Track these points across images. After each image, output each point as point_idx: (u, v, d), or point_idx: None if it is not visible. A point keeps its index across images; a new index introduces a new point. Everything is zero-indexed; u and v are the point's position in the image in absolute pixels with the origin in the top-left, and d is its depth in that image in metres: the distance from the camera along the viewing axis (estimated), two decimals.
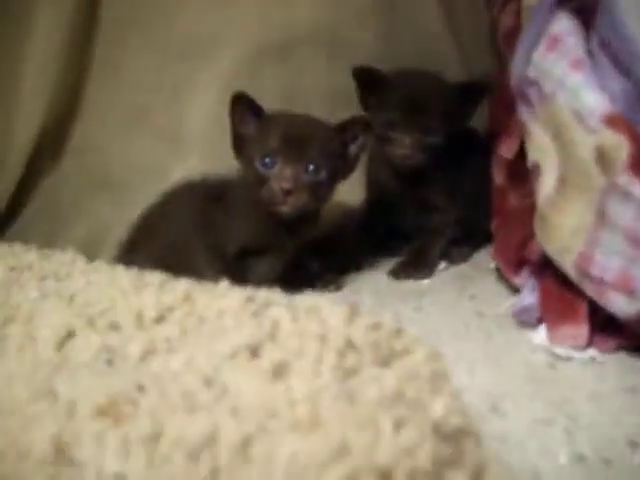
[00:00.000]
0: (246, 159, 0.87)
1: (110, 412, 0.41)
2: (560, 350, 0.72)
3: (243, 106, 0.86)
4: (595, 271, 0.67)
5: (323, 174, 0.86)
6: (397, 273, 0.99)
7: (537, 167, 0.73)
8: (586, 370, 0.71)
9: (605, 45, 0.65)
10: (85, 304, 0.60)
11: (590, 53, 0.68)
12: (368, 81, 0.98)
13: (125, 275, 0.67)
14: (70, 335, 0.54)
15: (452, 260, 1.04)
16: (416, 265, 1.00)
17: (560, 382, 0.68)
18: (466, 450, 0.36)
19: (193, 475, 0.34)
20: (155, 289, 0.60)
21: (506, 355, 0.75)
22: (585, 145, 0.65)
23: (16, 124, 1.01)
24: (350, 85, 1.02)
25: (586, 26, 0.69)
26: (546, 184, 0.71)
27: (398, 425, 0.34)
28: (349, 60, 1.01)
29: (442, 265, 1.03)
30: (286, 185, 0.83)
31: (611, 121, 0.63)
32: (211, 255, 0.88)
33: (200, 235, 0.90)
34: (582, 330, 0.71)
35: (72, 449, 0.37)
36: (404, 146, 0.95)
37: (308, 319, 0.49)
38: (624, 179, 0.62)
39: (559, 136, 0.68)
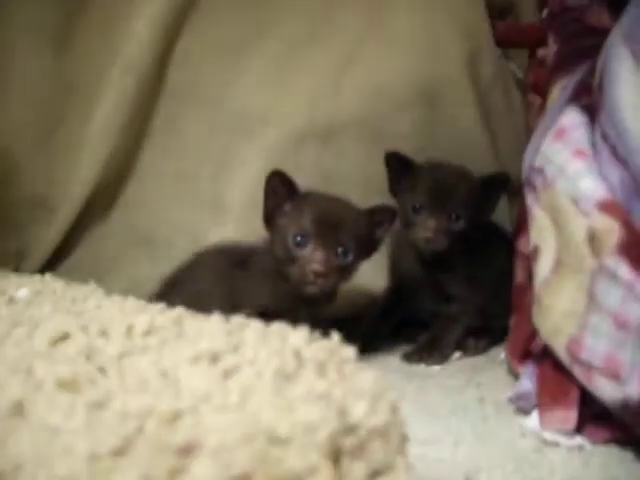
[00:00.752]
0: (278, 234, 0.90)
1: (70, 386, 0.45)
2: (548, 435, 0.72)
3: (279, 182, 0.90)
4: (584, 355, 0.67)
5: (351, 257, 0.90)
6: (410, 357, 1.01)
7: (537, 250, 0.75)
8: (571, 457, 0.70)
9: (606, 138, 0.69)
10: (88, 318, 0.65)
11: (593, 145, 0.71)
12: (399, 167, 1.04)
13: (132, 302, 0.72)
14: (64, 337, 0.58)
15: (467, 351, 1.04)
16: (430, 351, 1.01)
17: (541, 466, 0.68)
18: (374, 449, 0.38)
19: (121, 432, 0.37)
20: (153, 313, 0.64)
21: (495, 437, 0.75)
22: (579, 228, 0.67)
23: (74, 176, 1.10)
24: (385, 173, 1.08)
25: (594, 121, 0.73)
26: (543, 266, 0.73)
27: (308, 409, 0.37)
28: (388, 149, 1.07)
29: (456, 355, 1.03)
30: (319, 268, 0.85)
31: (605, 206, 0.66)
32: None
33: (221, 296, 0.94)
34: (571, 414, 0.70)
35: (28, 408, 0.41)
36: (428, 229, 0.98)
37: (272, 339, 0.52)
38: (612, 261, 0.64)
39: (557, 220, 0.71)
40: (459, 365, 1.02)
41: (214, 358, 0.50)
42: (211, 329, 0.57)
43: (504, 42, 1.17)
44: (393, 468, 0.43)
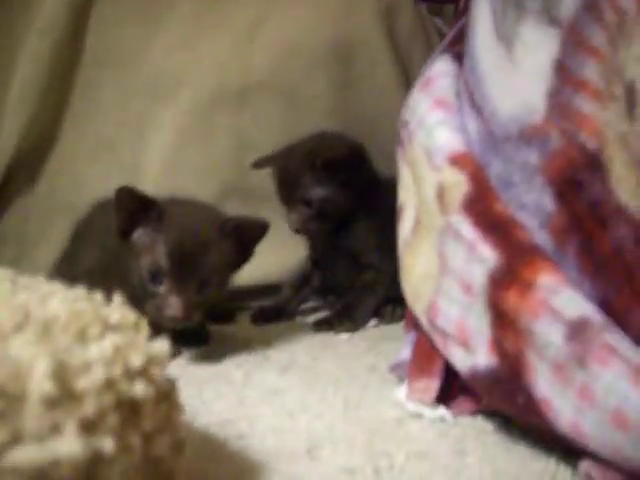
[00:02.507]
0: (133, 259, 0.82)
1: None
2: (411, 406, 0.67)
3: (128, 198, 0.81)
4: (440, 322, 0.63)
5: (214, 287, 0.83)
6: (319, 325, 0.97)
7: (401, 209, 0.70)
8: (430, 429, 0.65)
9: (467, 85, 0.63)
10: None
11: (458, 95, 0.65)
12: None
13: None
14: None
15: (382, 319, 1.00)
16: (340, 319, 0.97)
17: (395, 438, 0.63)
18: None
19: None
20: None
21: (364, 407, 0.71)
22: (430, 183, 0.62)
23: None
24: (304, 132, 1.04)
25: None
26: (405, 225, 0.68)
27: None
28: (303, 110, 1.02)
29: (372, 322, 0.99)
30: (176, 314, 0.78)
31: (455, 160, 0.61)
32: None
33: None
34: (432, 384, 0.66)
35: None
36: (292, 221, 1.00)
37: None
38: (457, 218, 0.59)
39: (415, 176, 0.66)
40: (369, 333, 0.98)
41: None
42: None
43: None
44: (164, 431, 0.43)
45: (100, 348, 0.41)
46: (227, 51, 1.07)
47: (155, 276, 0.79)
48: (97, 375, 0.39)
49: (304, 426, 0.67)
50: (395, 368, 0.75)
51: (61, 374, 0.37)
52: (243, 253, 0.87)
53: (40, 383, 0.35)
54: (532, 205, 0.57)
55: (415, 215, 0.67)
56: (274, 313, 1.04)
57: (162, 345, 0.47)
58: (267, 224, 0.87)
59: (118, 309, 0.48)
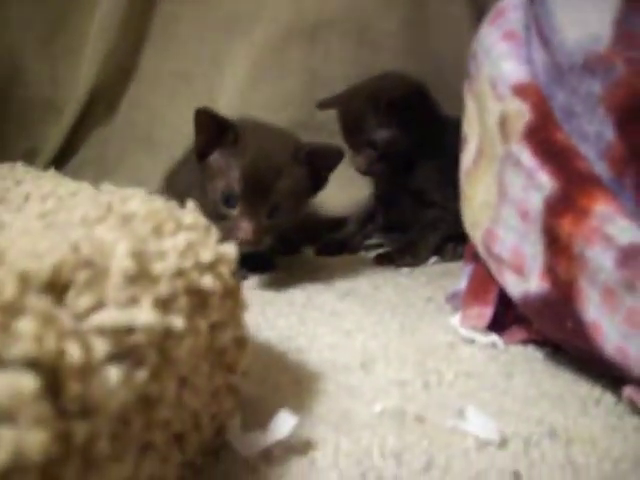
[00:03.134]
0: (209, 180, 0.84)
1: None
2: (464, 332, 0.70)
3: (207, 120, 0.83)
4: (496, 249, 0.65)
5: (285, 214, 0.84)
6: (381, 258, 1.00)
7: (465, 139, 0.72)
8: (480, 353, 0.68)
9: (536, 18, 0.64)
10: (8, 192, 0.68)
11: (528, 28, 0.66)
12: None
13: (62, 180, 0.75)
14: None
15: (443, 256, 1.02)
16: (402, 253, 0.99)
17: (445, 359, 0.66)
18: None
19: None
20: (64, 185, 0.67)
21: (417, 332, 0.74)
22: (493, 113, 0.63)
23: (77, 76, 1.14)
24: (376, 71, 1.05)
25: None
26: (468, 156, 0.70)
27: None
28: (375, 47, 1.04)
29: (433, 259, 1.02)
30: (245, 236, 0.80)
31: (519, 90, 0.62)
32: None
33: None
34: (486, 311, 0.68)
35: None
36: (359, 163, 1.02)
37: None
38: (517, 147, 0.60)
39: (480, 106, 0.67)
40: (430, 269, 1.01)
41: (53, 213, 0.51)
42: (85, 196, 0.59)
43: None
44: (228, 325, 0.47)
45: (174, 241, 0.46)
46: None
47: (228, 199, 0.83)
48: (171, 262, 0.43)
49: (360, 344, 0.70)
50: (451, 298, 0.78)
51: (139, 256, 0.41)
52: (317, 180, 0.89)
53: (121, 260, 0.39)
54: (593, 135, 0.57)
55: (477, 146, 0.68)
56: (338, 247, 1.07)
57: (231, 247, 0.51)
58: (342, 151, 0.88)
59: (191, 213, 0.52)
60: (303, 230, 1.01)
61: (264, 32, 1.09)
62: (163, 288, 0.41)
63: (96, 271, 0.38)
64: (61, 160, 1.20)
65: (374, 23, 1.08)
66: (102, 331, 0.36)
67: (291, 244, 1.01)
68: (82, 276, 0.37)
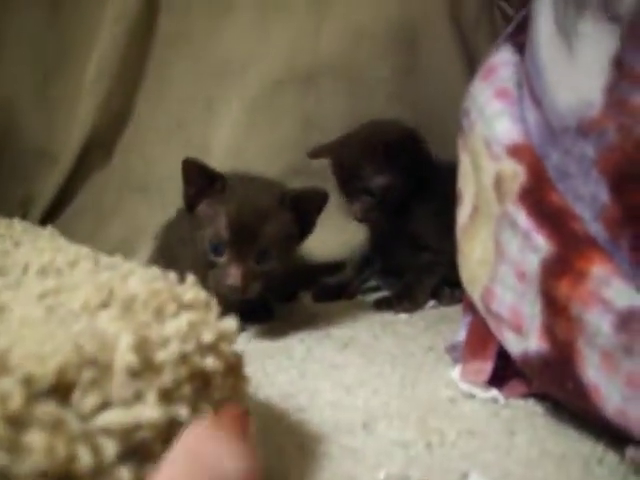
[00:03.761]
0: (198, 229, 0.85)
1: None
2: (465, 386, 0.70)
3: (194, 170, 0.85)
4: (495, 306, 0.65)
5: (275, 257, 0.85)
6: (380, 304, 1.00)
7: (460, 196, 0.72)
8: (481, 409, 0.68)
9: (527, 76, 0.65)
10: (6, 259, 0.68)
11: (519, 85, 0.67)
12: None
13: (60, 243, 0.76)
14: None
15: (441, 300, 1.02)
16: (400, 299, 1.00)
17: (447, 417, 0.66)
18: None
19: None
20: (62, 253, 0.67)
21: (419, 386, 0.74)
22: (489, 172, 0.64)
23: (73, 125, 1.15)
24: (368, 116, 1.06)
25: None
26: (463, 212, 0.70)
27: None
28: (368, 93, 1.05)
29: (431, 303, 1.02)
30: (234, 284, 0.81)
31: (513, 150, 0.63)
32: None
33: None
34: (486, 366, 0.68)
35: None
36: (355, 211, 1.02)
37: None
38: (513, 208, 0.61)
39: (475, 164, 0.68)
40: (429, 314, 1.01)
41: (55, 294, 0.51)
42: (85, 267, 0.59)
43: None
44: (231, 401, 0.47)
45: (176, 325, 0.46)
46: (294, 34, 1.10)
47: (216, 247, 0.84)
48: (174, 349, 0.43)
49: (361, 401, 0.71)
50: (451, 349, 0.78)
51: (142, 347, 0.41)
52: (304, 225, 0.90)
53: (125, 355, 0.39)
54: (588, 196, 0.58)
55: (473, 202, 0.69)
56: (336, 292, 1.07)
57: (231, 322, 0.51)
58: (327, 193, 0.89)
59: (191, 288, 0.52)
60: (299, 276, 1.01)
61: (257, 78, 1.10)
62: (167, 378, 0.41)
63: (100, 369, 0.38)
64: (57, 208, 1.20)
65: (366, 70, 1.10)
66: (110, 431, 0.36)
67: (287, 290, 1.02)
68: (87, 375, 0.37)
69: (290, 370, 0.79)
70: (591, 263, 0.56)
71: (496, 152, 0.64)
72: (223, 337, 0.49)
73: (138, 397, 0.39)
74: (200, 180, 0.85)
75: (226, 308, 0.78)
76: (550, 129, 0.62)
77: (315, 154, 1.02)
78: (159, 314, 0.47)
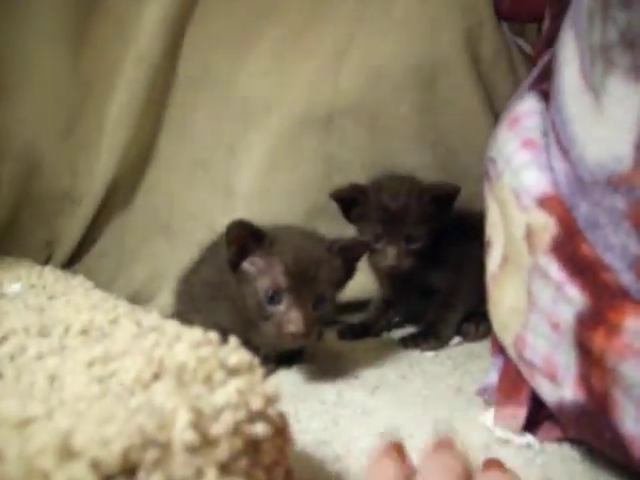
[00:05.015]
0: (248, 285, 0.86)
1: None
2: (499, 431, 0.71)
3: (242, 231, 0.85)
4: (527, 354, 0.66)
5: (329, 301, 0.88)
6: (406, 342, 1.01)
7: (489, 243, 0.73)
8: (517, 455, 0.69)
9: (554, 126, 0.66)
10: (44, 316, 0.70)
11: (545, 134, 0.68)
12: (347, 201, 1.05)
13: (96, 297, 0.77)
14: (4, 338, 0.63)
15: (466, 336, 1.03)
16: (425, 336, 1.01)
17: None
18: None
19: None
20: (100, 311, 0.69)
21: (452, 431, 0.74)
22: (519, 224, 0.65)
23: (96, 167, 1.17)
24: (390, 155, 1.08)
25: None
26: (493, 260, 0.71)
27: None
28: (388, 132, 1.06)
29: (456, 340, 1.03)
30: (298, 330, 0.81)
31: (543, 201, 0.64)
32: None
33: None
34: (521, 411, 0.69)
35: None
36: (389, 258, 1.01)
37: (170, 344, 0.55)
38: (545, 259, 0.62)
39: (504, 214, 0.69)
40: (455, 351, 1.01)
41: (104, 361, 0.53)
42: (129, 330, 0.60)
43: (510, 16, 1.12)
44: (279, 463, 0.48)
45: (226, 394, 0.47)
46: (315, 76, 1.11)
47: (274, 296, 0.84)
48: (227, 420, 0.44)
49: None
50: (482, 392, 0.79)
51: (199, 422, 0.42)
52: (347, 271, 0.93)
53: (184, 433, 0.41)
54: (619, 247, 0.59)
55: (503, 252, 0.70)
56: (361, 330, 1.09)
57: (275, 385, 0.52)
58: (369, 243, 0.95)
59: (235, 351, 0.54)
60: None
61: (279, 120, 1.11)
62: (223, 451, 0.42)
63: (161, 448, 0.39)
64: (81, 249, 1.21)
65: (385, 109, 1.11)
66: None
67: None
68: (150, 456, 0.38)
69: (323, 416, 0.79)
70: (624, 315, 0.57)
71: (525, 204, 0.65)
72: (270, 401, 0.50)
73: (199, 474, 0.40)
74: (246, 240, 0.86)
75: (264, 353, 0.80)
76: (578, 180, 0.63)
77: (345, 193, 1.03)
78: (208, 383, 0.48)
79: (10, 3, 1.12)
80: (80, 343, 0.60)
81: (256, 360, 0.54)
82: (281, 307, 0.84)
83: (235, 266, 0.88)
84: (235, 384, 0.48)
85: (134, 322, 0.62)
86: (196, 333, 0.56)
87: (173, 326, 0.59)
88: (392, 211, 1.02)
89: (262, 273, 0.86)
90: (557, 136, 0.66)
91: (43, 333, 0.64)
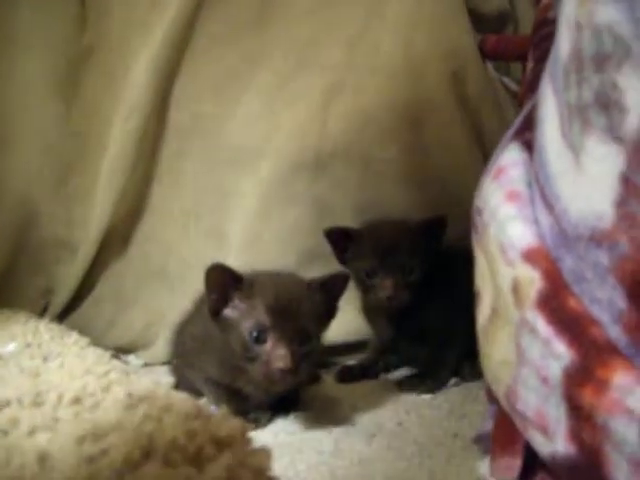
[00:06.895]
0: (231, 330, 0.87)
1: None
2: None
3: (220, 275, 0.86)
4: (519, 406, 0.66)
5: (314, 337, 0.88)
6: (402, 384, 1.02)
7: (478, 295, 0.74)
8: None
9: (537, 179, 0.67)
10: (39, 382, 0.70)
11: (530, 185, 0.69)
12: (340, 239, 1.06)
13: (91, 359, 0.78)
14: (1, 408, 0.63)
15: (463, 376, 1.03)
16: (422, 379, 1.01)
17: None
18: None
19: None
20: (93, 377, 0.69)
21: None
22: (505, 278, 0.65)
23: (90, 216, 1.18)
24: (380, 197, 1.08)
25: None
26: (482, 313, 0.72)
27: None
28: (378, 174, 1.07)
29: (453, 381, 1.03)
30: (286, 365, 0.82)
31: (529, 255, 0.64)
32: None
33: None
34: (516, 462, 0.69)
35: None
36: (387, 288, 1.01)
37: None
38: (531, 315, 0.62)
39: (491, 267, 0.69)
40: (451, 393, 1.01)
41: (96, 437, 0.53)
42: (119, 400, 0.61)
43: (495, 55, 1.13)
44: None
45: (216, 471, 0.47)
46: (303, 122, 1.12)
47: (259, 335, 0.85)
48: None
49: None
50: (478, 440, 0.79)
51: None
52: (329, 308, 0.93)
53: None
54: (605, 301, 0.59)
55: (491, 304, 0.70)
56: (360, 372, 1.09)
57: (267, 451, 0.52)
58: (348, 276, 0.94)
59: (225, 422, 0.54)
60: (321, 357, 1.03)
61: (270, 166, 1.12)
62: None
63: None
64: (78, 297, 1.22)
65: (375, 152, 1.12)
66: None
67: (311, 373, 1.03)
68: None
69: (320, 467, 0.79)
70: (613, 371, 0.57)
71: (511, 257, 0.65)
72: (260, 473, 0.50)
73: None
74: (226, 283, 0.87)
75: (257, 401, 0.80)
76: (563, 234, 0.63)
77: (339, 229, 1.05)
78: (198, 459, 0.48)
79: (2, 58, 1.13)
80: (72, 414, 0.60)
81: (248, 427, 0.55)
82: (267, 346, 0.85)
83: (216, 314, 0.88)
84: (225, 459, 0.49)
85: (125, 391, 0.62)
86: (186, 404, 0.56)
87: (163, 395, 0.59)
88: (387, 244, 1.03)
89: (244, 315, 0.86)
90: (541, 190, 0.66)
91: (37, 402, 0.64)
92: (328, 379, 1.10)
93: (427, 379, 1.02)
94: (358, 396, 1.02)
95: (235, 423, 0.54)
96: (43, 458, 0.51)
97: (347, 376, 1.08)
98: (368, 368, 1.10)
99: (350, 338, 1.11)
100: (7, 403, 0.64)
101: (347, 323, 1.01)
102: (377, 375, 1.11)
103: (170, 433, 0.50)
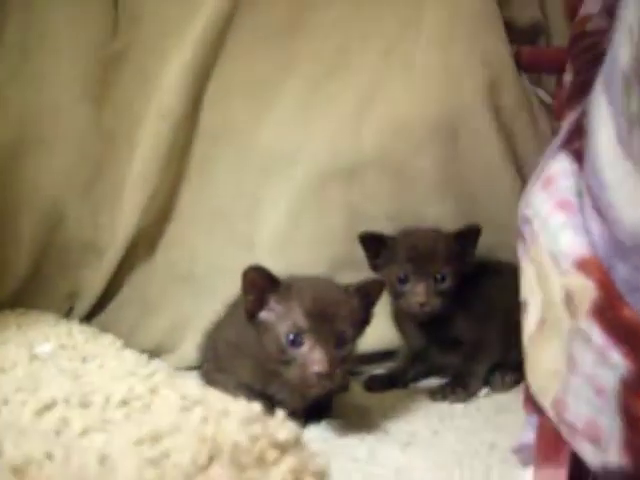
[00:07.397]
0: (267, 333, 0.85)
1: (20, 473, 0.50)
2: None
3: (257, 276, 0.85)
4: (568, 416, 0.66)
5: (350, 343, 0.87)
6: (435, 394, 1.01)
7: (525, 304, 0.73)
8: None
9: (589, 188, 0.67)
10: (82, 383, 0.70)
11: (580, 195, 0.69)
12: (374, 244, 1.06)
13: (131, 362, 0.77)
14: (48, 407, 0.63)
15: (493, 387, 1.02)
16: (453, 389, 1.00)
17: None
18: None
19: None
20: (134, 381, 0.69)
21: None
22: (557, 287, 0.65)
23: (118, 220, 1.17)
24: (412, 206, 1.08)
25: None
26: (530, 322, 0.71)
27: None
28: (411, 183, 1.07)
29: (484, 391, 1.02)
30: (323, 369, 0.81)
31: (582, 264, 0.64)
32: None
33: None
34: (560, 472, 0.68)
35: None
36: (419, 294, 1.01)
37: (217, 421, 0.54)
38: (586, 324, 0.62)
39: (540, 276, 0.69)
40: (483, 404, 1.01)
41: (154, 439, 0.52)
42: (172, 402, 0.60)
43: (529, 67, 1.13)
44: None
45: (280, 474, 0.47)
46: (337, 129, 1.12)
47: (295, 339, 0.84)
48: None
49: None
50: (518, 451, 0.78)
51: None
52: (365, 314, 0.92)
53: None
54: None
55: (540, 314, 0.70)
56: (388, 381, 1.08)
57: (323, 460, 0.52)
58: (383, 282, 0.93)
59: (283, 425, 0.53)
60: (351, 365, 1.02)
61: (303, 171, 1.12)
62: None
63: None
64: (103, 300, 1.21)
65: (408, 161, 1.12)
66: None
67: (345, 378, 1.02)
68: None
69: (355, 474, 0.79)
70: None
71: (563, 267, 0.65)
72: (321, 477, 0.50)
73: None
74: (263, 285, 0.86)
75: (290, 407, 0.80)
76: (617, 243, 0.63)
77: (374, 234, 1.05)
78: (261, 463, 0.48)
79: (35, 60, 1.13)
80: (123, 416, 0.59)
81: (302, 433, 0.54)
82: (303, 349, 0.84)
83: (252, 316, 0.88)
84: (288, 463, 0.48)
85: (176, 393, 0.61)
86: (241, 406, 0.56)
87: (217, 398, 0.59)
88: (421, 250, 1.03)
89: (281, 318, 0.86)
90: (593, 199, 0.66)
91: (84, 403, 0.63)
92: (356, 387, 1.09)
93: (458, 389, 1.01)
94: (388, 405, 1.01)
95: (292, 427, 0.54)
96: (103, 458, 0.50)
97: (376, 385, 1.08)
98: (397, 377, 1.10)
99: (378, 347, 1.10)
100: (54, 403, 0.64)
101: (376, 332, 1.00)
102: (407, 384, 1.10)
103: (233, 436, 0.50)
